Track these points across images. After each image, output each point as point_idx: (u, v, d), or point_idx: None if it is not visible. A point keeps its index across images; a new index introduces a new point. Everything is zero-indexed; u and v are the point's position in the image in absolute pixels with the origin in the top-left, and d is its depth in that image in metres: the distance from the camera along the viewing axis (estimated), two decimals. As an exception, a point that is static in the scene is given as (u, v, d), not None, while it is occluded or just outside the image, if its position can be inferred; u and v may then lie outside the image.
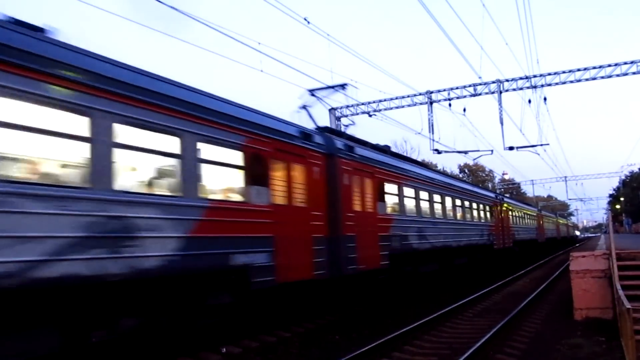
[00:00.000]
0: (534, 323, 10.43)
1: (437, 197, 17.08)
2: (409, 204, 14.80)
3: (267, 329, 9.33)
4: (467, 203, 20.74)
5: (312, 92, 12.93)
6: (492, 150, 26.42)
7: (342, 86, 13.33)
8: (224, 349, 8.01)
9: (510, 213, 29.58)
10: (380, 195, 12.80)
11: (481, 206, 23.12)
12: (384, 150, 15.13)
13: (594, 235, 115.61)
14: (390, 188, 13.52)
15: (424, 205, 16.00)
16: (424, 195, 15.90)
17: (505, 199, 30.32)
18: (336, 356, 7.16)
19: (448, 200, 18.29)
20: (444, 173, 20.05)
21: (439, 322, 10.30)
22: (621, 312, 7.89)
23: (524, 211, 36.45)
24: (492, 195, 27.61)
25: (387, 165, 13.67)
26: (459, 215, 19.55)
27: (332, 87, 13.34)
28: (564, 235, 68.47)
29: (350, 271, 10.87)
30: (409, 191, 14.78)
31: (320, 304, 11.22)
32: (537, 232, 40.71)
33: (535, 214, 41.38)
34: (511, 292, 16.02)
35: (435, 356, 7.83)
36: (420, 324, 9.57)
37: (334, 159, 10.94)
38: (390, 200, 13.61)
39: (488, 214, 24.18)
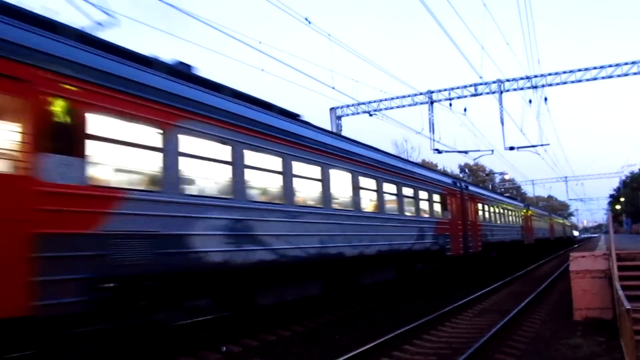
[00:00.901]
0: (534, 323, 10.44)
1: (305, 169, 10.08)
2: (208, 172, 7.89)
3: (267, 328, 9.35)
4: (389, 187, 13.82)
5: None
6: (492, 150, 26.49)
7: None
8: (224, 348, 8.03)
9: (479, 207, 23.16)
10: (58, 137, 5.60)
11: (422, 194, 16.15)
12: (121, 51, 6.95)
13: (593, 235, 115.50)
14: (123, 130, 6.41)
15: (263, 179, 9.06)
16: (260, 159, 8.84)
17: (471, 188, 23.56)
18: (336, 355, 7.15)
19: (339, 178, 11.35)
20: (340, 135, 14.38)
21: (439, 321, 10.32)
22: (621, 313, 7.89)
23: (503, 206, 29.05)
24: (447, 180, 20.30)
25: (112, 77, 6.30)
26: (368, 204, 12.77)
27: None
28: (559, 236, 64.28)
29: None
30: (203, 146, 7.64)
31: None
32: (523, 232, 34.66)
33: (521, 210, 35.57)
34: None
35: (435, 356, 7.83)
36: (421, 324, 9.58)
37: None
38: (128, 158, 6.60)
39: (437, 207, 17.46)
